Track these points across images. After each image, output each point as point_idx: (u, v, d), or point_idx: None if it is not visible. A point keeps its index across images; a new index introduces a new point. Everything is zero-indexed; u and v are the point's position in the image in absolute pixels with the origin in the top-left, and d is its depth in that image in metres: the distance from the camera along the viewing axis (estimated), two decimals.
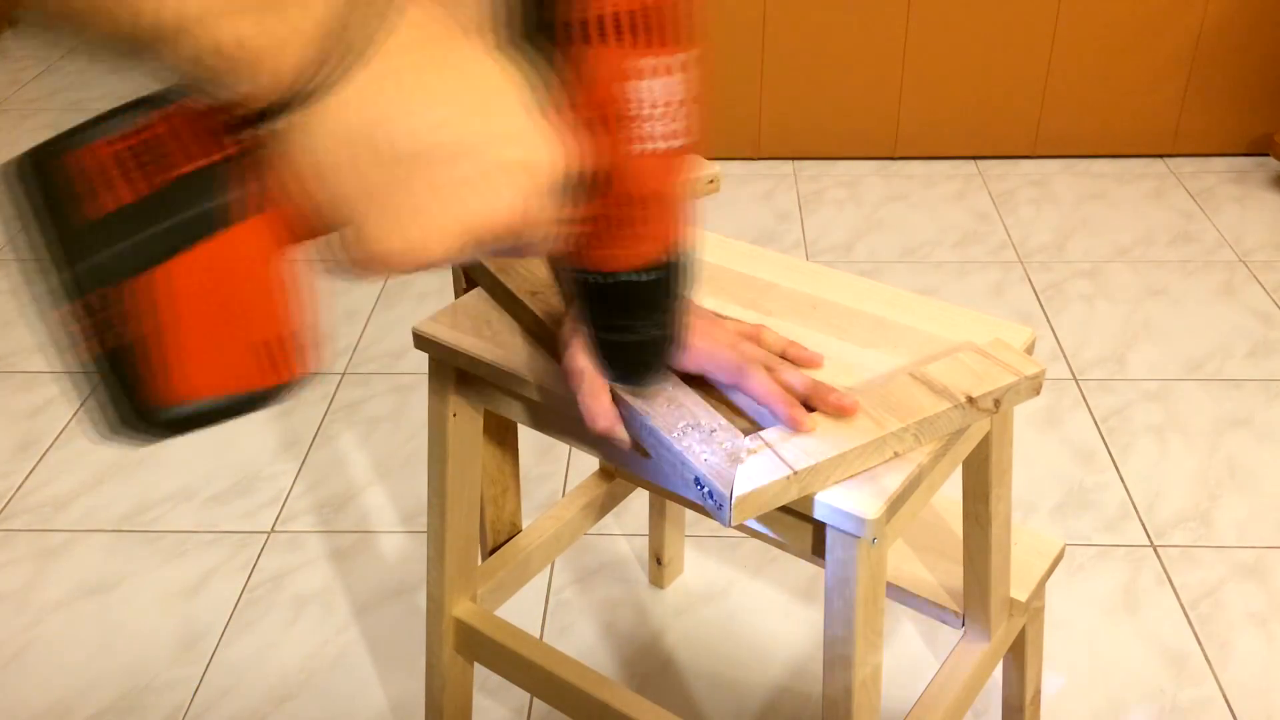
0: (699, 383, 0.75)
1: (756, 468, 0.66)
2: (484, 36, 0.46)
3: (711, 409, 0.71)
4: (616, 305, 0.58)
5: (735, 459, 0.67)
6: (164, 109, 0.43)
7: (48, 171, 0.43)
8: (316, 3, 0.39)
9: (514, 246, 0.49)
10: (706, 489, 0.67)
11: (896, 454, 0.71)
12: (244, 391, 0.46)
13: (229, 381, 0.45)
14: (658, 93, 0.48)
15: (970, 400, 0.72)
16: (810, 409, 0.72)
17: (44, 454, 1.68)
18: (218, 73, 0.39)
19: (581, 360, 0.70)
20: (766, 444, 0.68)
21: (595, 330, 0.60)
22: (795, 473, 0.66)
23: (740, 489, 0.65)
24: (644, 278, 0.56)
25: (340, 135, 0.41)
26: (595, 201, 0.51)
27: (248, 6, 0.38)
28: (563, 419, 0.83)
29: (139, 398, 0.44)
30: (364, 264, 0.45)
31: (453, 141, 0.43)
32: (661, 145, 0.50)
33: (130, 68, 0.40)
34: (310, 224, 0.44)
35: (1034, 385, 0.74)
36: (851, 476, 0.70)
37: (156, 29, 0.38)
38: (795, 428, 0.70)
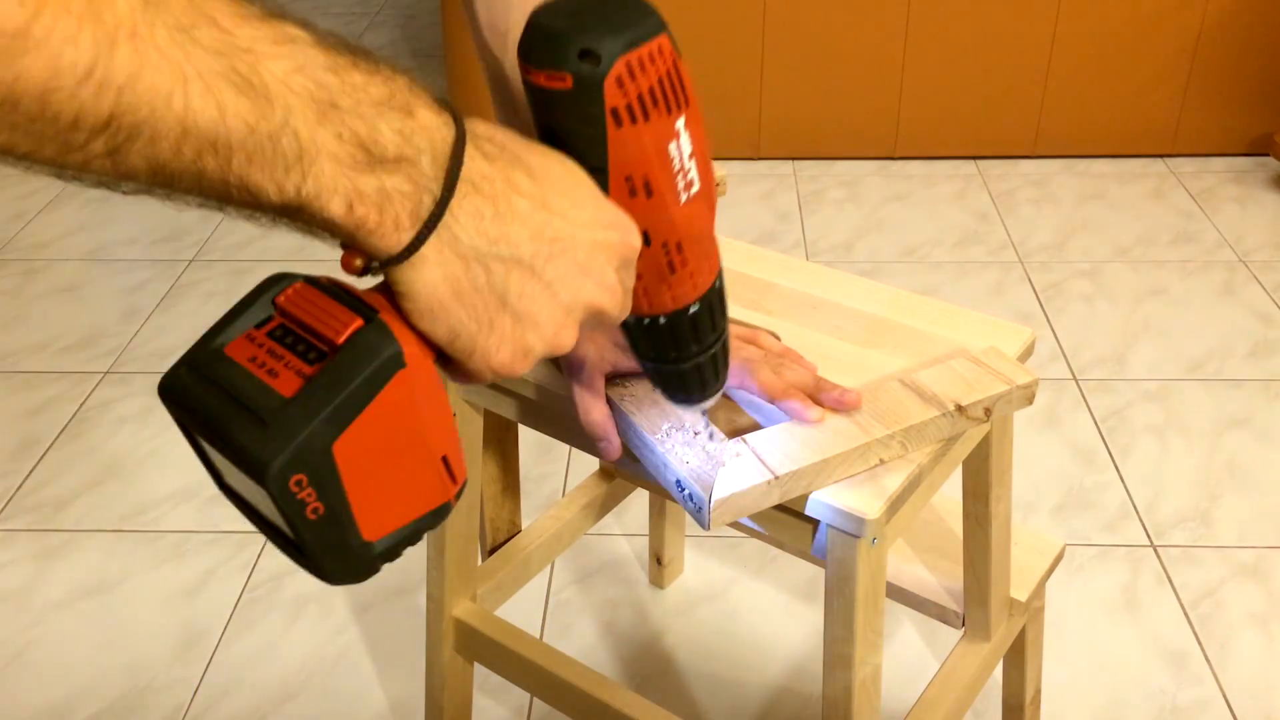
0: None
1: (737, 472, 0.66)
2: (534, 134, 0.52)
3: (697, 411, 0.71)
4: (673, 339, 0.61)
5: (716, 462, 0.67)
6: (286, 292, 0.47)
7: (209, 375, 0.46)
8: (414, 158, 0.43)
9: (605, 320, 0.54)
10: (687, 491, 0.67)
11: (882, 461, 0.70)
12: (431, 510, 0.50)
13: (418, 505, 0.50)
14: (683, 149, 0.54)
15: (960, 409, 0.71)
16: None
17: (44, 454, 1.68)
18: (338, 235, 0.43)
19: (582, 389, 0.73)
20: (750, 448, 0.68)
21: (656, 364, 0.63)
22: (777, 478, 0.66)
23: (720, 493, 0.65)
24: (693, 310, 0.60)
25: (457, 265, 0.45)
26: (645, 257, 0.56)
27: (358, 177, 0.42)
28: (561, 418, 0.83)
29: (350, 547, 0.47)
30: (508, 371, 0.50)
31: (555, 238, 0.48)
32: (692, 193, 0.55)
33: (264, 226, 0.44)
34: (452, 349, 0.48)
35: (1026, 395, 0.74)
36: (835, 482, 0.69)
37: (281, 207, 0.41)
38: (804, 419, 0.70)
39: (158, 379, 1.85)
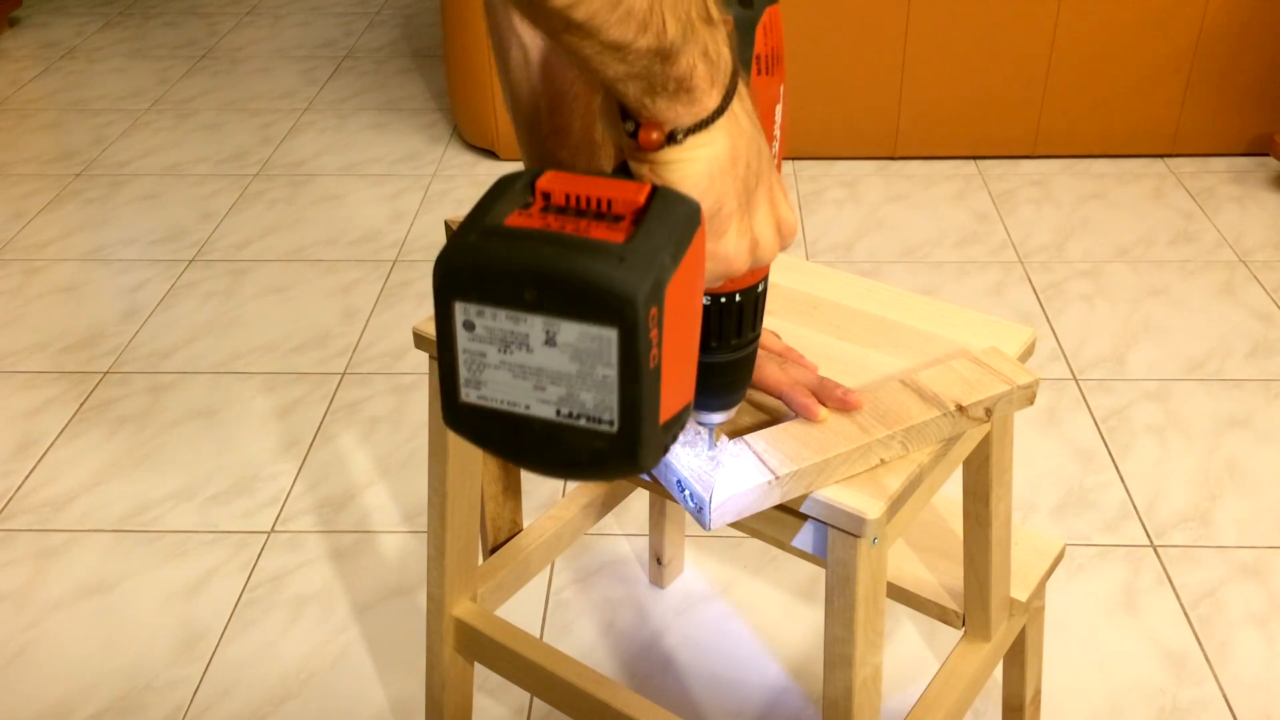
0: None
1: (737, 472, 0.66)
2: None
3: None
4: (738, 321, 0.61)
5: (717, 462, 0.67)
6: (544, 176, 0.48)
7: (512, 239, 0.45)
8: (719, 21, 0.50)
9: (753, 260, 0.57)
10: (687, 491, 0.67)
11: (883, 461, 0.70)
12: (686, 404, 0.50)
13: (684, 392, 0.50)
14: (778, 116, 0.58)
15: (960, 409, 0.71)
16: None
17: (44, 454, 1.68)
18: (672, 92, 0.48)
19: None
20: (750, 448, 0.68)
21: (713, 355, 0.63)
22: (777, 478, 0.66)
23: (720, 493, 0.65)
24: (760, 288, 0.61)
25: (738, 140, 0.51)
26: None
27: (704, 28, 0.48)
28: None
29: (656, 415, 0.47)
30: (736, 262, 0.53)
31: (767, 158, 0.54)
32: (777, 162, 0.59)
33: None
34: (711, 223, 0.52)
35: (1027, 395, 0.74)
36: (835, 482, 0.69)
37: (659, 50, 0.46)
38: (809, 416, 0.70)
39: (158, 379, 1.86)
